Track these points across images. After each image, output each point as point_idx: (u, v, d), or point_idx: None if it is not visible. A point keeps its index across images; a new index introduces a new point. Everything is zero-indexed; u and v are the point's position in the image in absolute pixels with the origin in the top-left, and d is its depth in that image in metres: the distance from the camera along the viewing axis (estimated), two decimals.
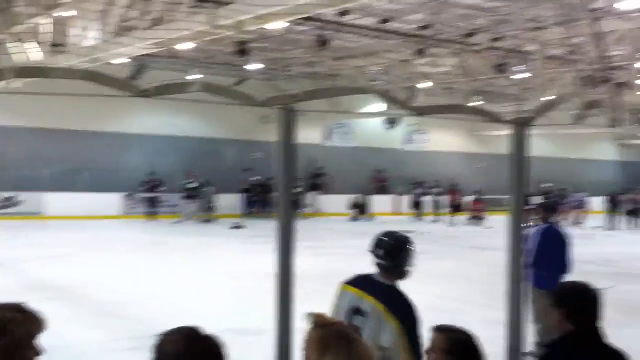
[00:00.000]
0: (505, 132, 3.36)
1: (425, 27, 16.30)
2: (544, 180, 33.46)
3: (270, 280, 3.35)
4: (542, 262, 7.11)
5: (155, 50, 14.58)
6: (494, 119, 3.27)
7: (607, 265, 15.92)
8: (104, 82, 2.92)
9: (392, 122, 27.67)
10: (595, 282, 3.47)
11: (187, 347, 2.11)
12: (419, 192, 29.03)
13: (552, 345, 3.08)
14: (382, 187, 30.69)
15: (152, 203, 24.19)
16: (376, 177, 30.85)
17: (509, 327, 3.47)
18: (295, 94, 3.04)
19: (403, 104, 3.30)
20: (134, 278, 12.19)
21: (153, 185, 24.26)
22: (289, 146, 3.12)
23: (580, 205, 28.08)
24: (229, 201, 25.64)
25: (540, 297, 7.09)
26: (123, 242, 17.78)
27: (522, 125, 3.28)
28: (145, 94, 2.88)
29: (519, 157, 3.40)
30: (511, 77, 19.59)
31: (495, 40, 17.09)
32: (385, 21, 15.68)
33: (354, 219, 27.08)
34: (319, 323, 2.49)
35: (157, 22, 11.97)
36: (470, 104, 20.04)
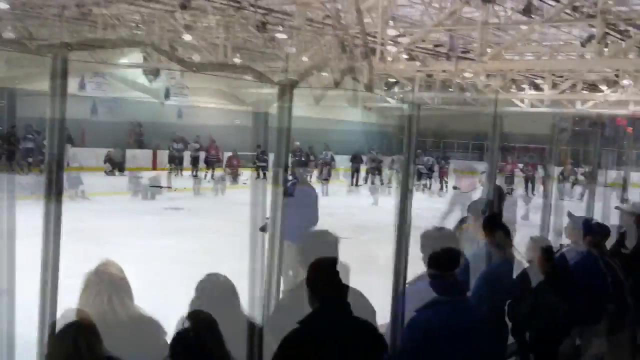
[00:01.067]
0: (265, 91, 3.59)
1: None
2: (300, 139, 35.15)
3: None
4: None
5: None
6: (263, 79, 3.48)
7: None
8: None
9: (152, 74, 26.97)
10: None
11: None
12: (180, 148, 28.90)
13: (302, 322, 3.16)
14: (139, 141, 30.06)
15: None
16: (132, 130, 30.11)
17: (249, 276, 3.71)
18: (67, 43, 2.98)
19: (178, 59, 3.38)
20: None
21: None
22: (61, 95, 3.07)
23: (328, 163, 29.98)
24: None
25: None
26: None
27: (286, 87, 3.52)
28: None
29: (282, 116, 3.60)
30: (271, 37, 20.11)
31: None
32: None
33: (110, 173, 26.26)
34: None
35: None
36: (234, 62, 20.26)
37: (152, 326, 3.27)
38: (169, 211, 17.83)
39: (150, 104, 30.48)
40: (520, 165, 30.57)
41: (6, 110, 23.83)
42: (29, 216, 3.12)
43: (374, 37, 19.55)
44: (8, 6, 18.90)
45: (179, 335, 2.86)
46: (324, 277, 3.23)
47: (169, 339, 2.93)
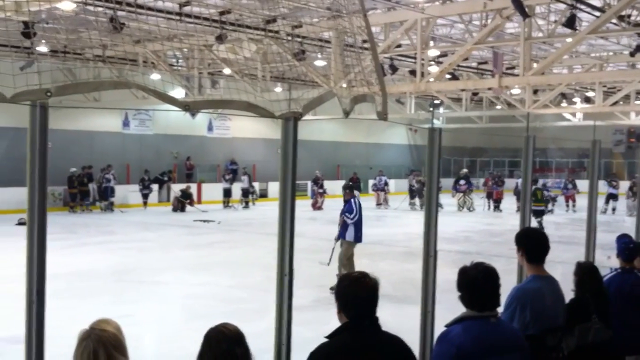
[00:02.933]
0: (306, 118, 3.49)
1: (225, 12, 16.24)
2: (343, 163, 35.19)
3: (52, 281, 3.14)
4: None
5: None
6: (263, 113, 3.26)
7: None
8: None
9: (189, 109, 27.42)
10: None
11: None
12: (229, 179, 29.05)
13: (330, 336, 3.11)
14: (189, 174, 30.41)
15: None
16: (185, 164, 30.51)
17: (276, 320, 3.53)
18: (46, 89, 2.81)
19: (171, 98, 3.19)
20: None
21: None
22: (42, 143, 2.90)
23: (382, 188, 29.55)
24: (11, 195, 23.78)
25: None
26: None
27: (289, 120, 3.33)
28: None
29: (287, 148, 3.49)
30: (310, 64, 20.12)
31: (295, 27, 17.44)
32: (184, 4, 15.38)
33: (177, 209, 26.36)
34: None
35: None
36: (267, 93, 20.32)
37: None
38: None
39: (194, 137, 30.91)
40: (558, 180, 29.46)
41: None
42: None
43: (414, 58, 19.41)
44: (47, 49, 19.42)
45: None
46: (353, 290, 3.16)
47: None
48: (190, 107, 3.07)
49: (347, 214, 11.27)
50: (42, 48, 19.51)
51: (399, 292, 9.80)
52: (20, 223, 19.99)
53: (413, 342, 3.34)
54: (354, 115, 3.90)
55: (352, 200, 11.49)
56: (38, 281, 2.88)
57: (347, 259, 11.03)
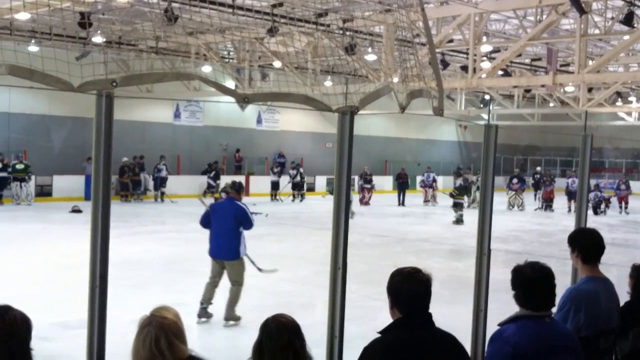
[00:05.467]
0: (361, 113, 3.48)
1: (277, 5, 16.31)
2: (391, 159, 35.07)
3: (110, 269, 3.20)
4: None
5: None
6: (320, 107, 3.28)
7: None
8: None
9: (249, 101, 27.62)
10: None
11: None
12: (277, 172, 29.19)
13: (383, 332, 3.12)
14: (238, 166, 30.68)
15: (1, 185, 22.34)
16: (234, 157, 30.79)
17: (329, 312, 3.54)
18: (112, 79, 2.87)
19: (230, 90, 3.22)
20: None
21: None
22: (107, 132, 2.96)
23: (430, 185, 29.17)
24: (66, 183, 24.44)
25: None
26: None
27: (345, 114, 3.33)
28: None
29: (343, 142, 3.48)
30: (360, 58, 20.06)
31: (346, 21, 17.42)
32: None
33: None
34: None
35: None
36: (317, 87, 20.33)
37: None
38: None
39: (244, 130, 31.17)
40: (611, 181, 28.59)
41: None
42: None
43: (466, 53, 19.18)
44: (103, 39, 19.80)
45: None
46: (406, 286, 3.15)
47: None
48: (250, 99, 3.11)
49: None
50: (98, 39, 19.90)
51: (447, 290, 9.73)
52: (74, 210, 20.52)
53: (463, 340, 3.31)
54: (409, 111, 3.88)
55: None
56: (101, 266, 2.94)
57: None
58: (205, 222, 8.60)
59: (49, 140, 24.94)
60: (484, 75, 18.25)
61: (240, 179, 28.20)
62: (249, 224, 8.46)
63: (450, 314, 5.63)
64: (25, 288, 9.59)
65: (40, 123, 24.72)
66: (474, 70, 17.98)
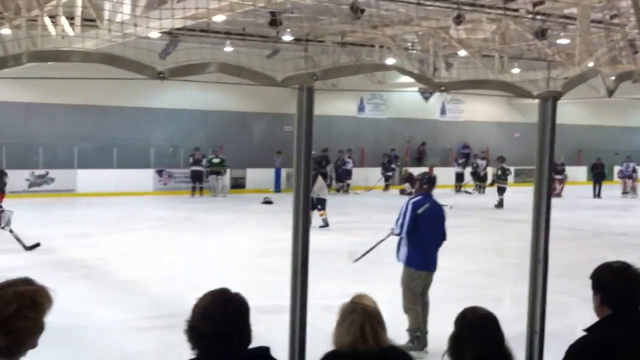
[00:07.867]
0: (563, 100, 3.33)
1: None
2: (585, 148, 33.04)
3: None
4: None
5: (188, 24, 14.57)
6: (521, 93, 3.15)
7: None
8: (120, 64, 2.87)
9: (428, 92, 27.39)
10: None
11: (214, 301, 2.61)
12: (462, 163, 28.69)
13: (590, 329, 3.01)
14: (419, 158, 30.54)
15: (198, 178, 24.10)
16: (418, 149, 30.70)
17: (529, 307, 3.41)
18: (312, 72, 2.96)
19: (427, 79, 3.20)
20: (157, 256, 12.26)
21: (197, 159, 24.03)
22: (308, 125, 3.07)
23: (630, 176, 27.32)
24: (259, 175, 25.71)
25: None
26: (150, 219, 17.84)
27: (548, 99, 3.17)
28: (161, 76, 2.83)
29: (544, 130, 3.33)
30: (551, 43, 19.10)
31: (536, 4, 16.66)
32: None
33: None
34: None
35: None
36: (502, 75, 19.65)
37: (402, 359, 3.16)
38: None
39: (427, 121, 30.90)
40: None
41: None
42: None
43: None
44: (292, 37, 20.53)
45: None
46: (618, 282, 3.00)
47: None
48: (446, 88, 3.06)
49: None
50: (287, 37, 20.70)
51: None
52: (266, 202, 21.57)
53: None
54: (617, 95, 3.62)
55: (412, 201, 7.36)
56: (302, 253, 3.06)
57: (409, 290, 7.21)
58: (412, 227, 7.09)
59: (243, 135, 26.40)
60: None
61: (423, 170, 28.09)
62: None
63: None
64: (222, 273, 10.22)
65: (234, 119, 26.24)
66: None
